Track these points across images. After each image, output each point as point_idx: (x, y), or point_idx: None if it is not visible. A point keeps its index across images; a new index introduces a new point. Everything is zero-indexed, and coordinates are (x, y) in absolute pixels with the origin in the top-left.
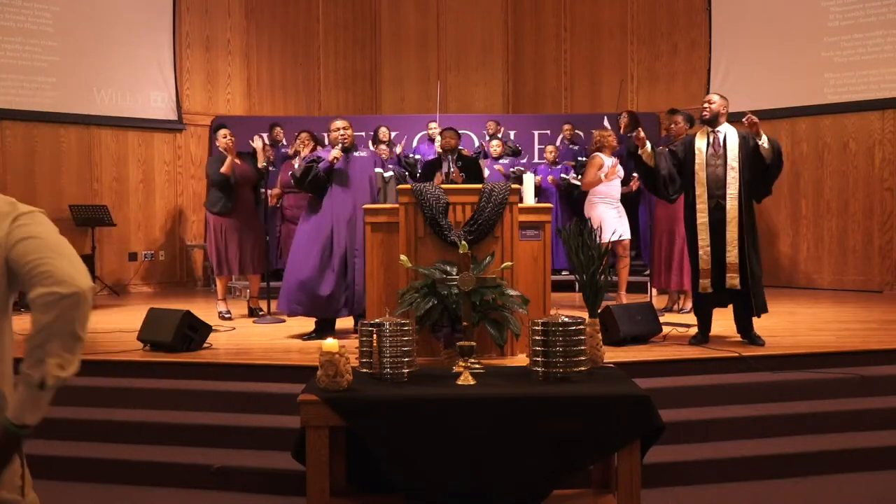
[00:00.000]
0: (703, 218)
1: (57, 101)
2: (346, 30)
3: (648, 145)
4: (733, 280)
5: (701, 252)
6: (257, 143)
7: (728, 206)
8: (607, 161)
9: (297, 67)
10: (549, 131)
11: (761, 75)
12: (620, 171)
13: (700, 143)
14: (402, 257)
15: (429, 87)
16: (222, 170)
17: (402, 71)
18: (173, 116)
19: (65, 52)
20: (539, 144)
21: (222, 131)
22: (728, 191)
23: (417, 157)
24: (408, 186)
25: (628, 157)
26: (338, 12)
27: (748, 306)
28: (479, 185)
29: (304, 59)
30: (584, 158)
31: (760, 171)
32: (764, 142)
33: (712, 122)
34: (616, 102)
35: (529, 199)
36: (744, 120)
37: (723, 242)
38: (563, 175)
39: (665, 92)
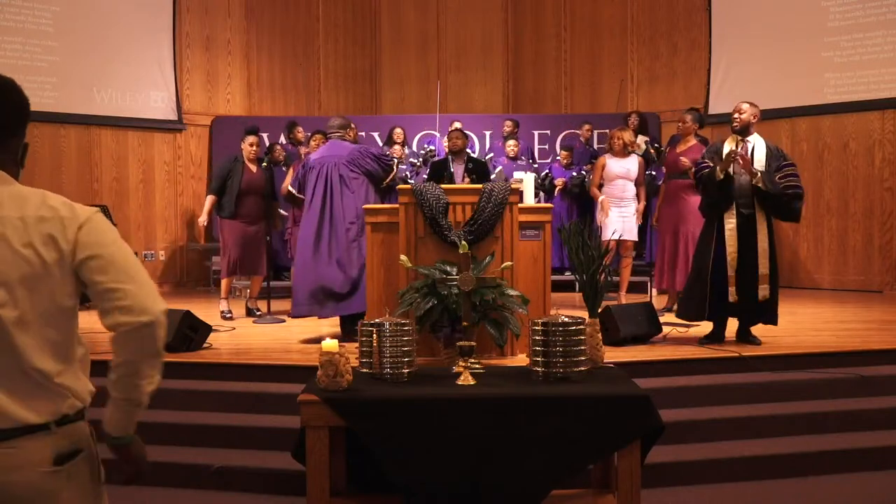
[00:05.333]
0: (731, 224)
1: (57, 101)
2: (346, 30)
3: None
4: (765, 291)
5: (729, 259)
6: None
7: (758, 217)
8: (611, 163)
9: (297, 67)
10: (548, 131)
11: (761, 75)
12: (622, 169)
13: (727, 150)
14: (402, 257)
15: (429, 87)
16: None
17: (402, 71)
18: (173, 116)
19: (65, 52)
20: (539, 144)
21: (250, 139)
22: (757, 201)
23: (432, 147)
24: (408, 186)
25: (647, 160)
26: (338, 12)
27: (767, 317)
28: (480, 185)
29: (303, 59)
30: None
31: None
32: (757, 181)
33: (743, 132)
34: (616, 102)
35: (529, 199)
36: (736, 158)
37: (746, 251)
38: (574, 174)
39: (665, 92)
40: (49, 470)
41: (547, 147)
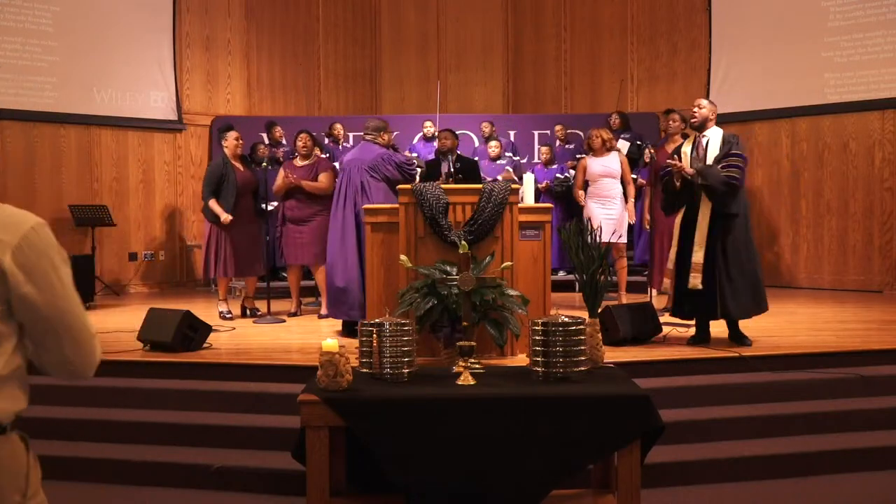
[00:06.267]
0: (679, 218)
1: (57, 101)
2: (346, 30)
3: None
4: (695, 280)
5: (672, 253)
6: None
7: (701, 208)
8: (592, 163)
9: (298, 67)
10: (549, 131)
11: (761, 75)
12: (605, 169)
13: (686, 148)
14: (402, 257)
15: (429, 87)
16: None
17: (402, 71)
18: (173, 116)
19: (65, 52)
20: (539, 144)
21: (233, 133)
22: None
23: (414, 154)
24: (408, 186)
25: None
26: (338, 12)
27: (714, 309)
28: (479, 185)
29: (303, 59)
30: (581, 155)
31: None
32: (695, 178)
33: (700, 127)
34: (616, 102)
35: (529, 199)
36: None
37: (687, 245)
38: (557, 175)
39: (665, 92)
40: None
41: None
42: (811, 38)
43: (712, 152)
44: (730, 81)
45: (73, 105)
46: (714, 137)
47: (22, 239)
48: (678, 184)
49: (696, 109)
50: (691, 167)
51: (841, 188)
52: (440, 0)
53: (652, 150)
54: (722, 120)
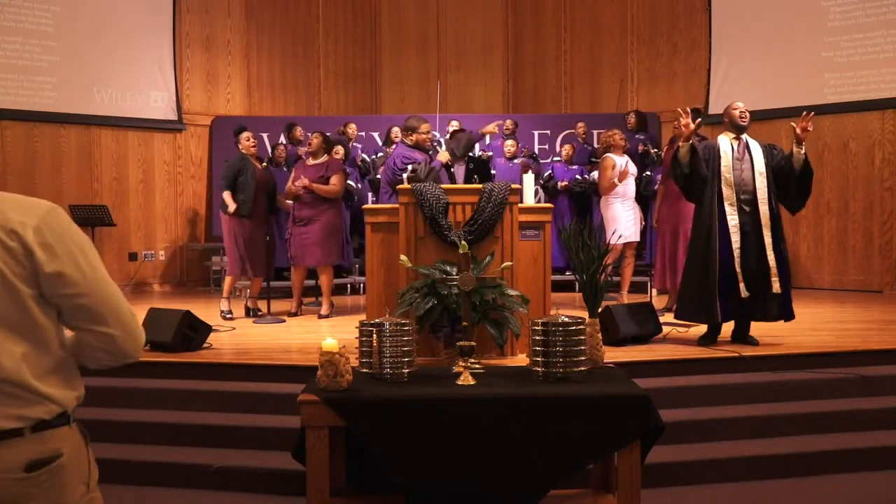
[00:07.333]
0: (734, 220)
1: (57, 101)
2: (346, 30)
3: (690, 142)
4: (777, 284)
5: (736, 255)
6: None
7: (762, 211)
8: (619, 161)
9: (298, 67)
10: (549, 131)
11: (761, 75)
12: (633, 170)
13: (724, 146)
14: (402, 257)
15: (429, 87)
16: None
17: (402, 71)
18: (173, 116)
19: (65, 52)
20: (539, 144)
21: (245, 134)
22: (759, 195)
23: (444, 158)
24: (408, 186)
25: (641, 156)
26: (338, 12)
27: (784, 313)
28: (480, 185)
29: (303, 59)
30: (596, 159)
31: (790, 181)
32: (802, 149)
33: (743, 129)
34: (616, 102)
35: (529, 199)
36: (799, 123)
37: (752, 247)
38: (577, 177)
39: (665, 92)
40: (19, 477)
41: (547, 147)
42: (811, 38)
43: (757, 154)
44: (730, 81)
45: (73, 105)
46: (752, 142)
47: (40, 220)
48: (684, 152)
49: (746, 111)
50: (734, 170)
51: (841, 188)
52: (440, 0)
53: (653, 150)
54: (722, 120)
